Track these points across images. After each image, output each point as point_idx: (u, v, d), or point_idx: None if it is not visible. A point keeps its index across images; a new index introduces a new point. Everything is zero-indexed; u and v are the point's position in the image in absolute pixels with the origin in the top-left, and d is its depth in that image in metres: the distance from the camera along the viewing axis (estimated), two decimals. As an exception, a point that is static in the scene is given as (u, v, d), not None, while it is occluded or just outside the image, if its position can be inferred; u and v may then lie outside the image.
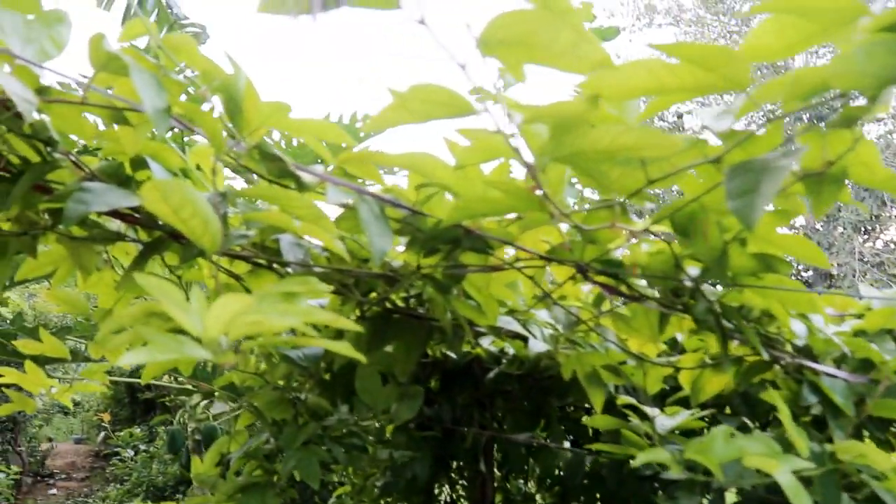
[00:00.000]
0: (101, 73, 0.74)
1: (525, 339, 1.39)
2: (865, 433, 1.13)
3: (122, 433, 9.00)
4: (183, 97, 0.79)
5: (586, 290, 1.20)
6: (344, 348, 0.57)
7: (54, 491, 8.41)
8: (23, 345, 1.36)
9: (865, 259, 12.95)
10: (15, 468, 7.45)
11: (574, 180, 0.88)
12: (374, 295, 1.15)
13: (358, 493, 1.81)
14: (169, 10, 5.34)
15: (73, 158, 0.86)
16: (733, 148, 0.65)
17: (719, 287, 1.01)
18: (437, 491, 1.85)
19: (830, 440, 1.04)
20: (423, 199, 0.90)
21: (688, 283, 0.95)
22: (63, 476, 9.24)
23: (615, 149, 0.62)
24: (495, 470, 1.73)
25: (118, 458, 8.56)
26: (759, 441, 0.88)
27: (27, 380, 1.40)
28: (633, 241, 0.89)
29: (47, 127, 0.81)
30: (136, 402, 9.80)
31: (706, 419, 1.28)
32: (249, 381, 1.60)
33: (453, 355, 1.54)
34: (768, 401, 1.13)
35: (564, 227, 0.95)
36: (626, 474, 1.44)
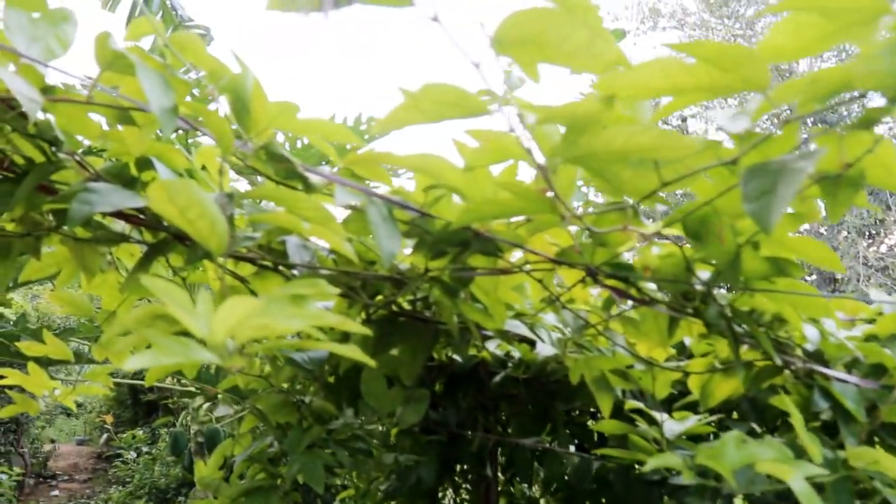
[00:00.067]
0: (107, 71, 0.73)
1: (532, 343, 1.38)
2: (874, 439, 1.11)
3: (124, 435, 9.00)
4: (187, 98, 0.78)
5: (595, 293, 1.19)
6: (353, 352, 0.56)
7: (56, 492, 8.40)
8: (26, 346, 1.36)
9: (870, 263, 12.91)
10: (17, 469, 7.45)
11: (579, 183, 0.87)
12: (380, 298, 1.14)
13: (362, 497, 1.80)
14: (174, 12, 5.34)
15: (78, 158, 0.85)
16: (749, 150, 0.64)
17: (723, 290, 1.00)
18: (440, 494, 1.84)
19: (840, 446, 1.02)
20: (431, 200, 0.88)
21: (698, 287, 0.94)
22: (65, 478, 9.24)
23: (629, 150, 0.61)
24: (499, 474, 1.72)
25: (120, 459, 8.56)
26: (772, 447, 0.87)
27: (30, 381, 1.39)
28: (644, 244, 0.88)
29: (52, 126, 0.80)
30: (139, 403, 9.81)
31: (714, 424, 1.26)
32: (253, 384, 1.58)
33: (459, 359, 1.53)
34: (778, 406, 1.12)
35: (573, 229, 0.94)
36: (633, 479, 1.43)
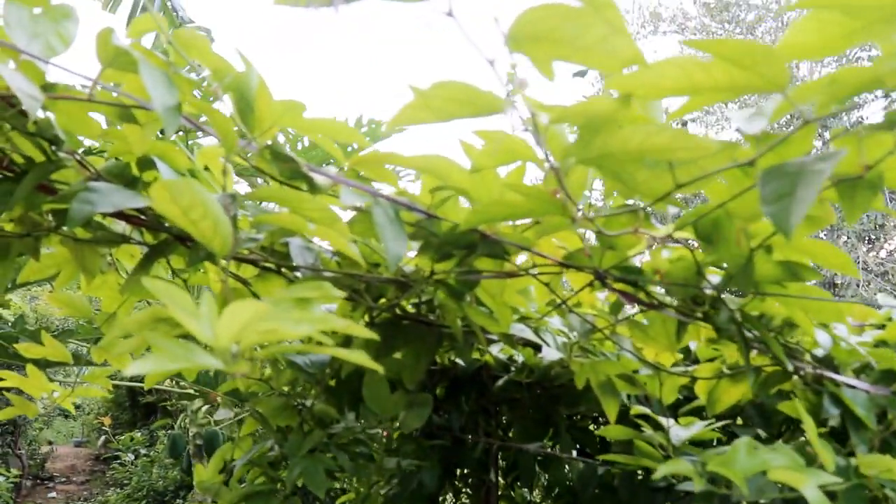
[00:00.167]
0: (109, 69, 0.72)
1: (535, 347, 1.36)
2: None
3: (122, 437, 8.97)
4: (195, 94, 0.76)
5: (601, 297, 1.17)
6: (360, 358, 0.54)
7: (54, 494, 8.38)
8: (25, 348, 1.34)
9: (870, 268, 12.90)
10: (15, 471, 7.42)
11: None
12: (383, 300, 1.12)
13: (362, 502, 1.78)
14: (174, 13, 5.32)
15: (79, 158, 0.84)
16: (767, 151, 0.62)
17: (729, 295, 0.99)
18: (441, 499, 1.83)
19: (850, 454, 1.01)
20: (437, 202, 0.87)
21: (708, 291, 0.93)
22: (63, 479, 9.21)
23: (645, 150, 0.59)
24: (500, 478, 1.70)
25: (118, 462, 8.53)
26: (783, 454, 0.85)
27: (29, 384, 1.38)
28: (654, 247, 0.87)
29: (52, 125, 0.79)
30: (137, 405, 9.78)
31: (719, 430, 1.25)
32: (254, 387, 1.57)
33: (462, 363, 1.51)
34: (785, 411, 1.11)
35: (581, 232, 0.92)
36: (638, 485, 1.41)
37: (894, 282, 12.91)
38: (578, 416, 1.68)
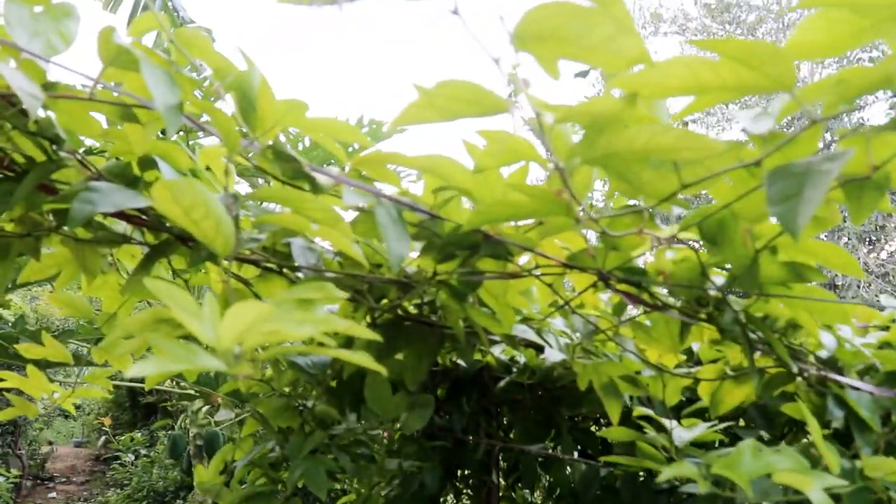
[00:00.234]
0: (110, 67, 0.71)
1: (537, 348, 1.36)
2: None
3: (122, 437, 8.97)
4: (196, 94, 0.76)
5: (604, 298, 1.17)
6: (364, 360, 0.54)
7: (54, 494, 8.37)
8: (25, 349, 1.33)
9: (870, 270, 12.88)
10: (15, 471, 7.42)
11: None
12: (385, 301, 1.12)
13: (363, 503, 1.78)
14: (175, 14, 5.32)
15: (80, 157, 0.83)
16: (774, 151, 0.62)
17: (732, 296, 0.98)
18: (441, 500, 1.82)
19: (854, 456, 1.00)
20: (440, 203, 0.86)
21: (712, 293, 0.92)
22: (63, 480, 9.21)
23: (651, 150, 0.59)
24: (500, 479, 1.70)
25: (118, 462, 8.52)
26: (788, 456, 0.85)
27: (29, 384, 1.37)
28: (658, 247, 0.86)
29: (53, 124, 0.78)
30: (138, 406, 9.78)
31: (721, 431, 1.24)
32: (255, 388, 1.56)
33: (463, 363, 1.51)
34: (789, 413, 1.10)
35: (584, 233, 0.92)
36: (641, 487, 1.41)
37: (895, 283, 12.89)
38: (580, 418, 1.68)
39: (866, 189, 0.66)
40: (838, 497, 0.91)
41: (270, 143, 0.77)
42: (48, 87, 0.73)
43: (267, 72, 0.76)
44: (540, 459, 1.60)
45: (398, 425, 1.36)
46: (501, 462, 1.71)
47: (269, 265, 1.02)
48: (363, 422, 1.42)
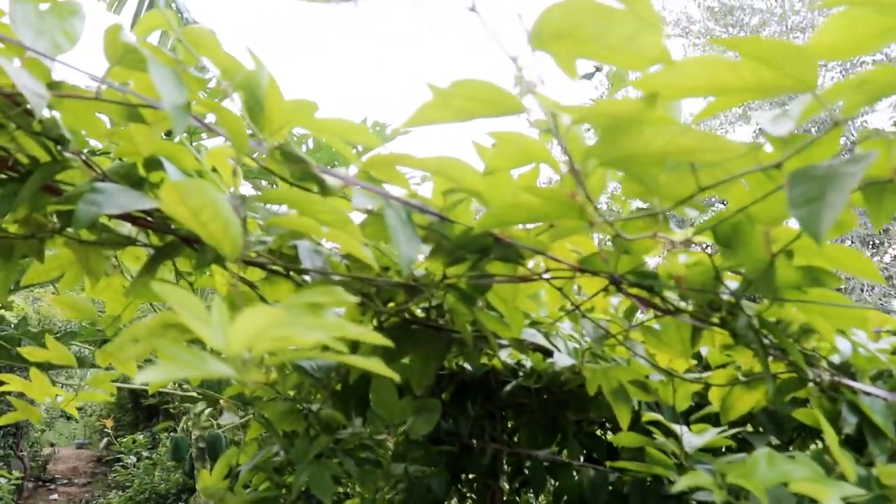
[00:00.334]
0: (117, 67, 0.70)
1: (544, 352, 1.34)
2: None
3: (124, 439, 8.95)
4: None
5: (615, 301, 1.15)
6: (375, 365, 0.53)
7: (55, 496, 8.36)
8: (28, 351, 1.32)
9: (873, 273, 12.84)
10: (17, 473, 7.41)
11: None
12: (392, 304, 1.10)
13: (368, 507, 1.76)
14: (179, 15, 5.31)
15: (85, 158, 0.82)
16: (794, 154, 0.60)
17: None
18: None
19: (868, 464, 0.99)
20: (450, 205, 0.85)
21: (725, 297, 0.91)
22: (64, 481, 9.20)
23: (670, 151, 0.57)
24: (505, 483, 1.68)
25: (120, 464, 8.50)
26: (804, 465, 0.83)
27: (32, 388, 1.36)
28: (671, 251, 0.85)
29: (58, 124, 0.77)
30: (140, 407, 9.76)
31: (731, 437, 1.23)
32: (259, 391, 1.55)
33: (469, 367, 1.49)
34: (800, 419, 1.08)
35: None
36: (650, 493, 1.39)
37: (898, 286, 12.86)
38: (586, 422, 1.66)
39: (887, 192, 0.65)
40: (854, 506, 0.89)
41: (279, 143, 0.76)
42: (53, 86, 0.72)
43: (271, 72, 0.75)
44: (546, 464, 1.58)
45: (402, 429, 1.35)
46: (506, 466, 1.70)
47: (275, 268, 1.00)
48: (369, 426, 1.41)
